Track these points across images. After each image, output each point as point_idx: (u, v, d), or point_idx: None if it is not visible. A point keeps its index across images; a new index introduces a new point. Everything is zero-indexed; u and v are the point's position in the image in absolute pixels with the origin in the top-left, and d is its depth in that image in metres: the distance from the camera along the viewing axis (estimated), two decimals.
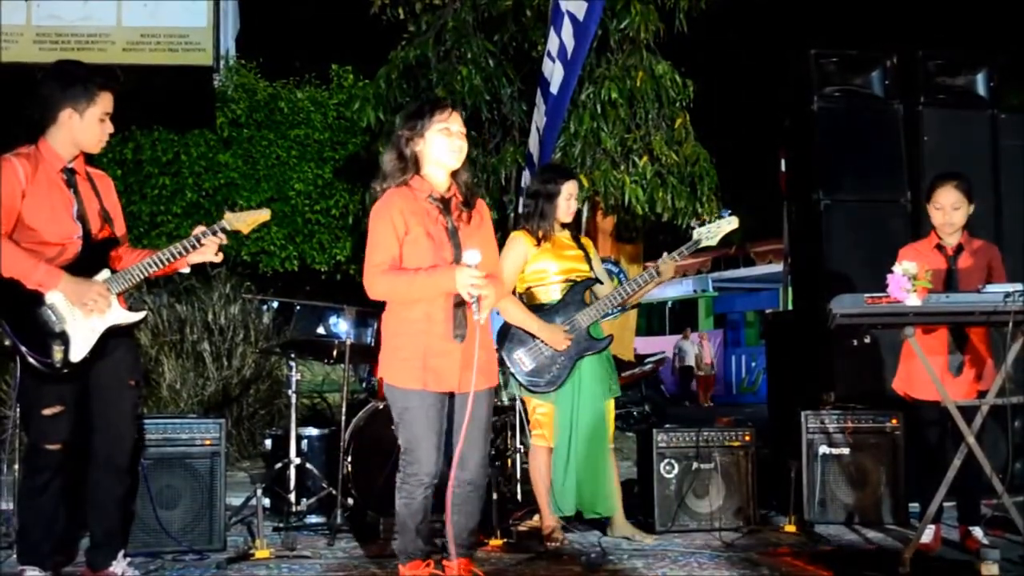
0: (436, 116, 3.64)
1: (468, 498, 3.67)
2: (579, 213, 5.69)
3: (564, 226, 4.95)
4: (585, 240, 5.08)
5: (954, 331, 4.47)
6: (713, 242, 4.91)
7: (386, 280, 3.57)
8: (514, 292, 4.90)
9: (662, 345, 22.17)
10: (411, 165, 3.66)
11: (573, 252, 4.91)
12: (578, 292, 4.82)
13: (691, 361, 21.22)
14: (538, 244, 4.84)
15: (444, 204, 3.65)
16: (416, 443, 3.57)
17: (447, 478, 3.59)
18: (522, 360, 4.76)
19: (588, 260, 4.92)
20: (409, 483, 3.59)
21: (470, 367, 3.55)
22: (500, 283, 3.72)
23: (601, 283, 4.93)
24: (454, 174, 3.70)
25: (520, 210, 5.47)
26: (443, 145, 3.63)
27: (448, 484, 3.57)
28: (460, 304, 3.56)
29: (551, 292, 4.83)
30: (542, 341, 4.72)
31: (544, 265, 4.83)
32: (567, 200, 4.86)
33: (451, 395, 3.65)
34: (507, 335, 4.79)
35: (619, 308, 5.03)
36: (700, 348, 21.31)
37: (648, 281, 4.85)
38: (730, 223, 4.94)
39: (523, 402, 4.94)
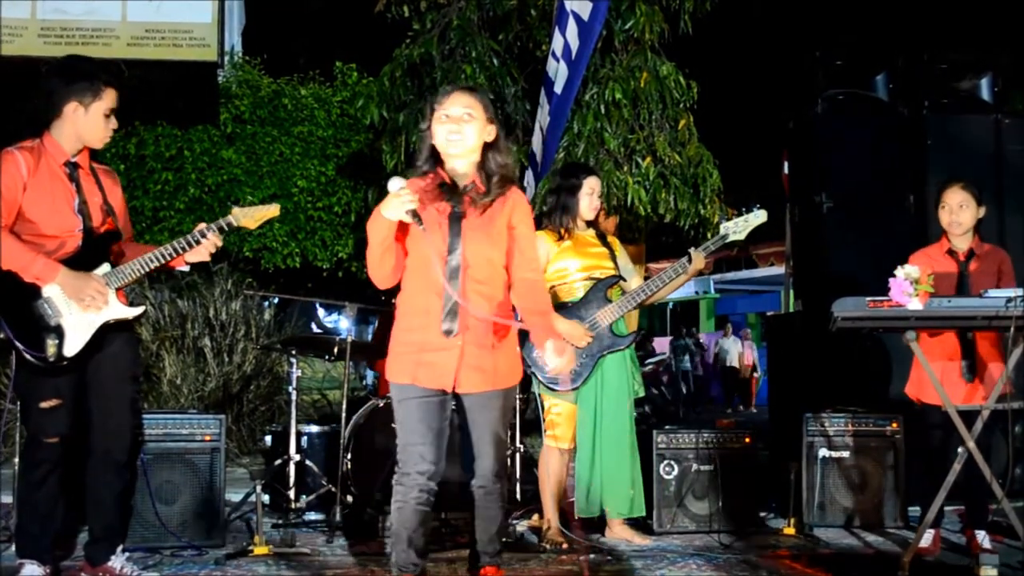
0: (438, 102, 3.44)
1: (485, 502, 3.51)
2: None
3: (590, 225, 4.93)
4: (612, 239, 5.01)
5: (960, 335, 4.47)
6: (741, 236, 4.82)
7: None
8: None
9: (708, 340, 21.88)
10: (429, 158, 3.48)
11: (597, 250, 4.87)
12: (600, 289, 4.78)
13: (734, 361, 19.22)
14: (560, 240, 4.82)
15: (453, 191, 3.42)
16: (408, 440, 3.39)
17: (450, 481, 3.52)
18: (542, 358, 4.73)
19: (613, 258, 4.89)
20: (403, 483, 3.38)
21: (474, 368, 3.40)
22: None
23: (626, 280, 4.90)
24: (482, 163, 3.46)
25: (543, 209, 5.41)
26: (440, 133, 3.41)
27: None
28: (453, 306, 3.36)
29: (574, 290, 4.80)
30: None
31: (565, 263, 4.80)
32: (589, 195, 4.83)
33: (457, 396, 3.46)
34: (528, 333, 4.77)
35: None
36: (741, 347, 19.34)
37: (673, 277, 4.78)
38: (758, 217, 4.85)
39: (541, 401, 4.88)
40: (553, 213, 4.86)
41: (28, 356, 3.59)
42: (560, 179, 4.96)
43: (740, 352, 19.28)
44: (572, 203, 4.82)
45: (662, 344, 19.97)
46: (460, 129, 3.40)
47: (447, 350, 3.38)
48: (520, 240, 3.50)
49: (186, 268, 4.08)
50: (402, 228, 3.37)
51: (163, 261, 3.83)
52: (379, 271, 3.43)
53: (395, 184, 3.29)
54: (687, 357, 18.76)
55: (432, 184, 3.45)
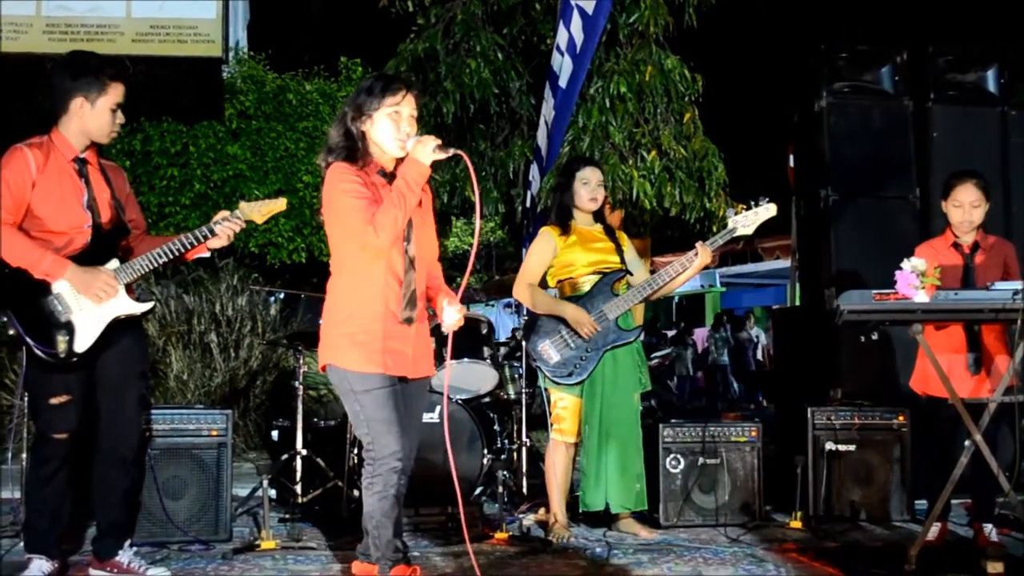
0: (387, 98, 3.44)
1: (403, 488, 3.51)
2: None
3: (597, 219, 4.92)
4: (620, 233, 5.01)
5: (967, 328, 4.45)
6: (749, 231, 4.71)
7: (380, 215, 3.33)
8: (544, 286, 4.88)
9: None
10: (359, 145, 3.47)
11: (602, 244, 4.87)
12: (607, 283, 4.77)
13: (760, 354, 18.28)
14: (564, 235, 4.82)
15: (391, 179, 3.47)
16: (382, 427, 3.40)
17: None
18: (548, 352, 4.72)
19: (620, 252, 4.89)
20: (382, 472, 3.40)
21: (424, 355, 3.57)
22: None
23: (632, 274, 4.89)
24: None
25: (547, 204, 5.40)
26: (389, 131, 3.45)
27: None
28: (411, 297, 3.48)
29: (581, 285, 4.80)
30: (568, 332, 4.69)
31: (571, 258, 4.80)
32: (584, 184, 4.83)
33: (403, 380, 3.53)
34: (533, 327, 4.78)
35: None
36: (766, 339, 17.94)
37: (680, 271, 4.72)
38: (768, 210, 4.72)
39: (547, 395, 4.88)
40: (553, 209, 4.90)
41: (39, 352, 3.60)
42: (557, 177, 4.99)
43: (765, 344, 18.10)
44: (567, 197, 4.85)
45: (701, 336, 19.44)
46: (412, 133, 3.48)
47: (406, 337, 3.49)
48: (431, 226, 3.66)
49: (207, 255, 4.07)
50: None
51: (172, 256, 3.83)
52: (401, 225, 3.38)
53: (412, 139, 3.42)
54: (725, 351, 18.22)
55: (370, 171, 3.49)
